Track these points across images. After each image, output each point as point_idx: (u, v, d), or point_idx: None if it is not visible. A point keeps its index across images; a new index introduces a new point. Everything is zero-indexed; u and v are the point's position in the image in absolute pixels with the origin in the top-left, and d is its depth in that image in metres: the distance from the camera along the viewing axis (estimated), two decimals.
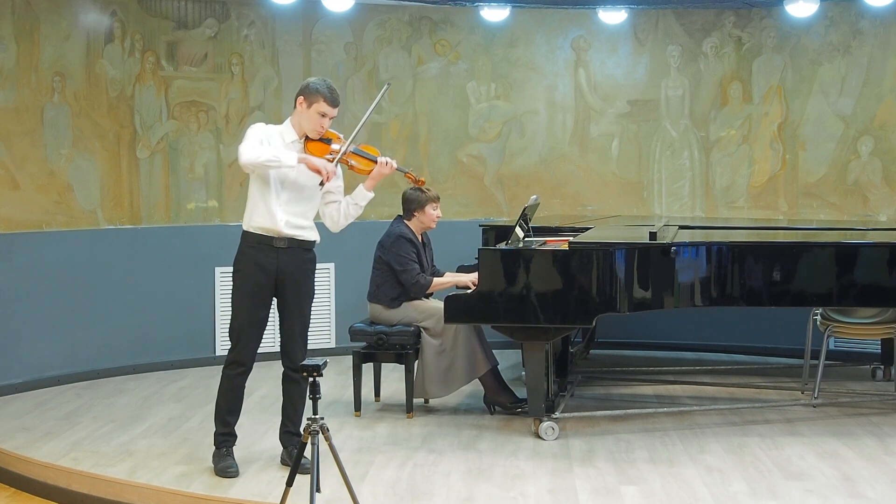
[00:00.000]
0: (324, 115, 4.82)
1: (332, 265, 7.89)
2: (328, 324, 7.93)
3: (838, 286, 5.70)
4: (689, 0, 7.93)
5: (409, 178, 5.29)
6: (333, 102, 4.83)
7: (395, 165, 5.01)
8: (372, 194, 5.05)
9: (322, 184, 4.78)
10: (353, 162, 4.94)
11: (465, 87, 8.20)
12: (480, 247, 5.91)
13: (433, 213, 6.19)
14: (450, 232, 7.71)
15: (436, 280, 6.16)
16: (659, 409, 6.13)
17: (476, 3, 7.92)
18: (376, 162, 4.97)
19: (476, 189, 8.25)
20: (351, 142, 4.90)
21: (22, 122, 6.86)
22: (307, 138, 4.87)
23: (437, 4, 7.99)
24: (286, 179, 4.82)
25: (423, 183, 5.43)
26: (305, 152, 4.83)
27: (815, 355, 6.39)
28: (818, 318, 6.44)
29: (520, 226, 5.89)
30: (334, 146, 4.89)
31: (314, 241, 4.96)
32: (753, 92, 8.01)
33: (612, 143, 8.24)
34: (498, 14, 7.96)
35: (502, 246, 5.72)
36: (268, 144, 4.77)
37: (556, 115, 8.28)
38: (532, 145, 8.27)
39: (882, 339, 6.79)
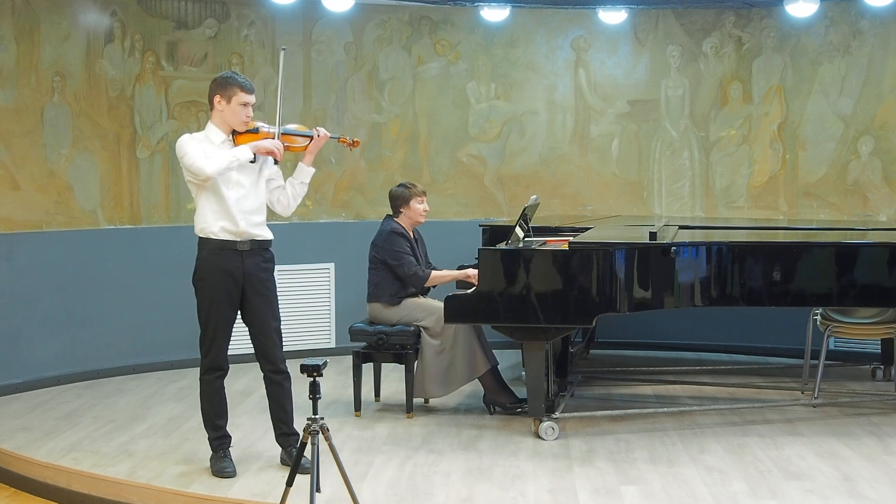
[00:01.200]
0: (245, 105, 4.82)
1: (331, 265, 7.89)
2: (328, 324, 7.93)
3: (838, 286, 5.70)
4: (689, 0, 7.93)
5: (344, 142, 5.19)
6: (250, 89, 4.84)
7: (327, 134, 5.00)
8: (313, 169, 5.05)
9: (276, 162, 4.83)
10: (289, 143, 4.95)
11: (465, 87, 8.20)
12: (480, 247, 5.90)
13: (419, 206, 6.20)
14: (450, 232, 7.72)
15: (435, 273, 6.16)
16: (659, 409, 6.13)
17: (476, 3, 7.92)
18: (310, 137, 4.96)
19: (476, 189, 8.25)
20: (279, 123, 4.89)
21: (22, 122, 6.86)
22: (234, 133, 4.87)
23: (437, 4, 7.99)
24: (230, 178, 4.79)
25: (358, 144, 5.27)
26: (237, 146, 4.85)
27: (815, 355, 6.39)
28: (818, 318, 6.44)
29: (520, 226, 5.89)
30: (263, 131, 4.88)
31: (271, 241, 4.97)
32: (753, 92, 8.01)
33: (612, 143, 8.24)
34: (498, 14, 7.96)
35: (502, 246, 5.72)
36: (202, 152, 4.76)
37: (556, 115, 8.28)
38: (532, 145, 8.27)
39: (882, 339, 6.79)
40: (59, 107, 7.02)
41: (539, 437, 5.49)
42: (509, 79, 8.22)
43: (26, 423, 5.95)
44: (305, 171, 5.02)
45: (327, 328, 7.93)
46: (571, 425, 5.77)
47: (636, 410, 6.08)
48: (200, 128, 7.46)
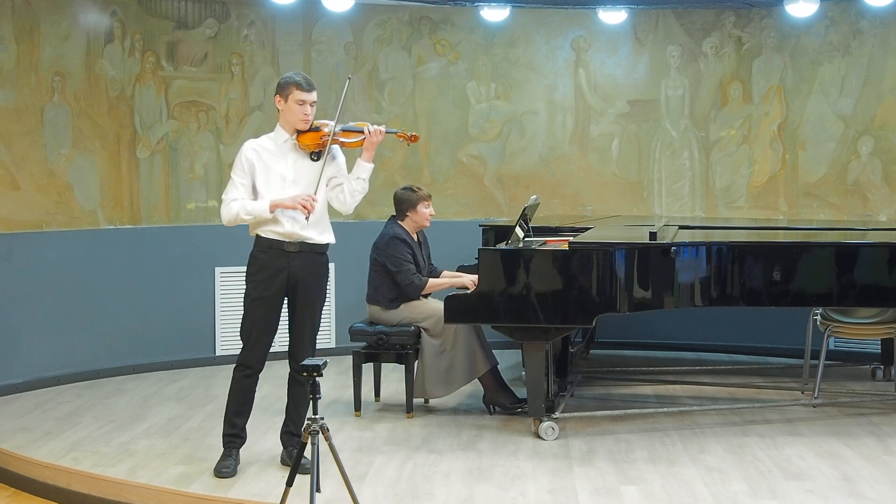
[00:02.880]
0: (303, 102, 4.82)
1: (332, 265, 7.86)
2: (328, 324, 7.93)
3: (838, 286, 5.70)
4: (689, 0, 7.93)
5: (402, 137, 5.20)
6: (308, 86, 4.84)
7: (383, 130, 4.98)
8: (371, 165, 4.99)
9: (307, 218, 4.78)
10: (344, 139, 4.94)
11: (465, 87, 8.20)
12: (480, 247, 5.91)
13: (425, 211, 6.19)
14: (450, 232, 7.71)
15: (432, 281, 6.15)
16: (659, 409, 6.13)
17: (476, 3, 7.92)
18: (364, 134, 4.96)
19: (476, 189, 8.25)
20: (337, 122, 4.89)
21: (22, 122, 6.86)
22: (298, 132, 4.88)
23: (437, 4, 7.99)
24: (286, 178, 4.83)
25: (417, 139, 5.27)
26: (299, 145, 4.86)
27: (815, 355, 6.39)
28: (818, 318, 6.43)
29: (520, 226, 5.89)
30: (325, 130, 4.89)
31: (327, 245, 4.96)
32: (753, 92, 8.01)
33: (612, 143, 8.24)
34: (498, 14, 7.96)
35: (502, 246, 5.72)
36: (250, 171, 4.80)
37: (556, 115, 8.28)
38: (532, 145, 8.27)
39: (882, 339, 6.79)
40: (59, 107, 7.02)
41: (539, 437, 5.49)
42: (509, 79, 8.22)
43: (26, 423, 5.94)
44: (363, 167, 4.97)
45: (327, 328, 7.93)
46: (571, 425, 5.77)
47: (636, 410, 6.08)
48: (200, 128, 7.58)
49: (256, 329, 4.89)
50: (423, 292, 6.13)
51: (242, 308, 4.96)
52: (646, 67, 8.20)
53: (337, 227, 7.90)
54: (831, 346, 6.89)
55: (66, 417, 6.07)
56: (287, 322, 4.99)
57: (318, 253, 4.93)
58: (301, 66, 7.82)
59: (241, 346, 4.93)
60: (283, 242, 4.82)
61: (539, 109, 8.27)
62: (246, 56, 7.73)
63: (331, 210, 5.05)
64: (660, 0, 7.95)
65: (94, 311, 7.17)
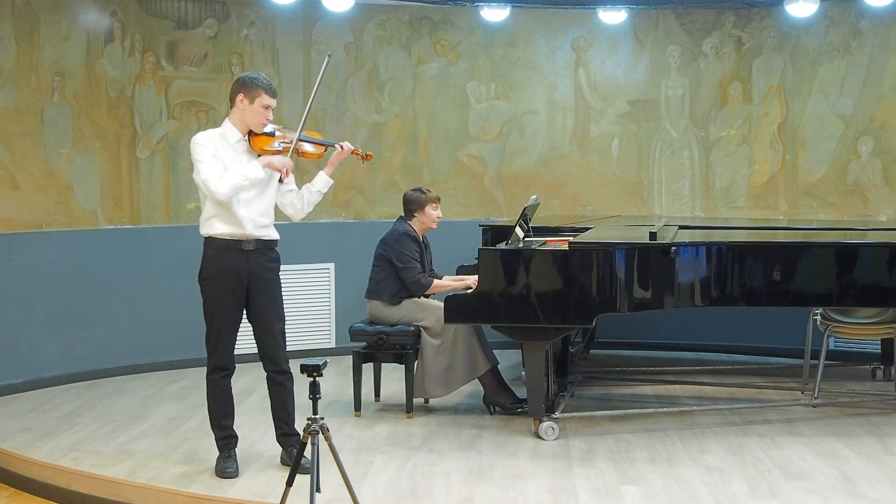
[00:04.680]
0: (267, 108, 4.83)
1: (331, 265, 7.89)
2: (328, 324, 7.93)
3: (838, 286, 5.70)
4: (689, 0, 7.93)
5: (356, 154, 5.12)
6: (274, 93, 4.87)
7: (349, 147, 5.00)
8: (332, 181, 5.06)
9: (281, 180, 4.84)
10: (304, 149, 4.95)
11: (465, 87, 8.20)
12: (480, 247, 5.90)
13: (433, 213, 6.20)
14: (450, 232, 7.70)
15: (436, 282, 6.16)
16: (659, 409, 6.13)
17: (476, 3, 7.92)
18: (326, 147, 4.98)
19: (476, 189, 8.25)
20: (301, 130, 4.91)
21: (22, 122, 6.86)
22: (251, 133, 4.87)
23: (437, 4, 7.99)
24: None
25: (371, 158, 5.20)
26: (251, 147, 4.86)
27: (815, 355, 6.39)
28: (818, 318, 6.44)
29: (520, 226, 5.89)
30: (278, 134, 4.90)
31: (277, 241, 4.98)
32: (753, 92, 8.01)
33: (612, 143, 8.24)
34: (498, 14, 7.96)
35: (502, 246, 5.72)
36: (217, 157, 4.76)
37: (556, 115, 8.28)
38: (532, 145, 8.27)
39: (882, 339, 6.79)
40: (59, 107, 7.02)
41: (539, 437, 5.49)
42: (509, 79, 8.22)
43: (26, 423, 5.95)
44: (324, 181, 5.02)
45: (327, 328, 7.93)
46: (571, 425, 5.77)
47: (636, 410, 6.08)
48: (201, 128, 7.55)
49: (225, 331, 4.90)
50: (429, 292, 6.13)
51: (204, 314, 4.91)
52: (646, 67, 8.20)
53: (337, 227, 8.01)
54: (831, 346, 6.88)
55: (66, 417, 6.07)
56: (250, 326, 4.96)
57: (270, 249, 4.95)
58: (301, 66, 7.83)
59: (220, 348, 4.90)
60: (241, 241, 4.82)
61: (539, 109, 8.27)
62: (246, 56, 7.72)
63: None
64: (660, 0, 7.95)
65: (94, 311, 7.17)
